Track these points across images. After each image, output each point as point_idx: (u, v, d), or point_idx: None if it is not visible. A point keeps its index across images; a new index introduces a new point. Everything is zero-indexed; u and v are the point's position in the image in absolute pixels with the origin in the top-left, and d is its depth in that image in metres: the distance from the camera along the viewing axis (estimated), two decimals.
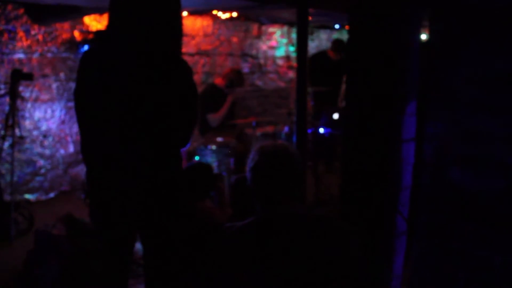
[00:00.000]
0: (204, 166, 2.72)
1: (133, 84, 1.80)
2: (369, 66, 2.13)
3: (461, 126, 1.74)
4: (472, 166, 1.72)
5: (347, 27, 5.67)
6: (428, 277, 1.90)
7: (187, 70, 1.91)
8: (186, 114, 1.95)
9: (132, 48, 1.80)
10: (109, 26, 1.85)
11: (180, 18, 1.94)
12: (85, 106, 1.87)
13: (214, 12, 5.35)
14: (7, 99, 3.62)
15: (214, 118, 4.29)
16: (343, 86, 5.12)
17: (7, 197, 3.61)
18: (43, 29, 4.22)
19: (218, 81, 4.46)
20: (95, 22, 4.62)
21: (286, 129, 4.62)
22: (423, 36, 2.50)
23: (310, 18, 3.19)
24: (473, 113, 1.70)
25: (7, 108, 3.63)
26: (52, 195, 4.52)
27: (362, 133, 2.18)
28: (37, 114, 4.33)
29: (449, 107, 1.76)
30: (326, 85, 4.87)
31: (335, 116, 4.51)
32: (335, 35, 7.31)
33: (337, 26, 6.92)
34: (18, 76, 3.25)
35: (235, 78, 4.39)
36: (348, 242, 1.51)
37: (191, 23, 5.49)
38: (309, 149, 4.15)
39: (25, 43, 4.11)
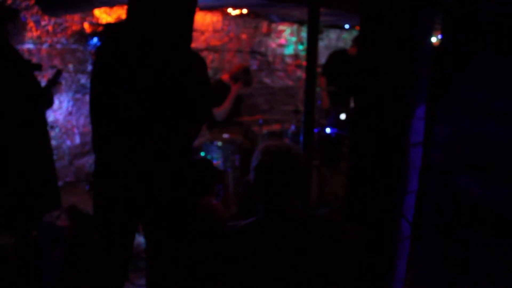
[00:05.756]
0: (206, 162, 2.72)
1: (146, 75, 1.81)
2: (379, 68, 2.12)
3: (470, 131, 1.72)
4: (479, 172, 1.71)
5: (357, 27, 5.61)
6: (431, 282, 1.89)
7: (201, 64, 1.93)
8: (198, 107, 1.97)
9: (146, 39, 1.82)
10: (127, 18, 1.87)
11: (194, 14, 1.95)
12: (99, 97, 1.89)
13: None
14: None
15: (219, 111, 4.29)
16: None
17: None
18: (53, 20, 4.23)
19: (226, 77, 4.46)
20: (105, 15, 4.62)
21: (292, 127, 4.61)
22: (434, 39, 2.48)
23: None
24: (482, 119, 1.69)
25: None
26: None
27: (370, 135, 2.17)
28: None
29: (458, 112, 1.75)
30: (342, 84, 4.80)
31: (342, 116, 4.50)
32: (345, 35, 7.28)
33: (347, 26, 6.89)
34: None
35: (243, 77, 4.38)
36: (351, 245, 1.50)
37: (201, 18, 5.48)
38: (315, 149, 4.14)
39: (35, 34, 4.13)
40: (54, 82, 3.17)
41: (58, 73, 3.20)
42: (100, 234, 2.03)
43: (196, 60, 1.95)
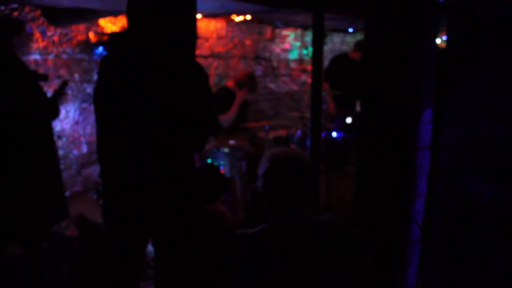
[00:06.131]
0: (214, 168, 2.71)
1: (150, 88, 1.81)
2: (386, 72, 2.11)
3: (478, 134, 1.71)
4: (489, 175, 1.69)
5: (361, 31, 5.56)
6: (442, 286, 1.87)
7: (203, 75, 1.93)
8: (202, 118, 1.96)
9: (150, 51, 1.82)
10: (129, 29, 1.87)
11: (195, 21, 1.94)
12: (104, 107, 1.89)
13: None
14: None
15: (225, 118, 4.29)
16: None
17: None
18: (59, 30, 4.26)
19: (231, 83, 4.46)
20: (110, 24, 4.66)
21: (298, 132, 4.60)
22: (438, 40, 2.47)
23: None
24: (491, 121, 1.67)
25: None
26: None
27: (377, 139, 2.16)
28: None
29: (466, 114, 1.74)
30: (345, 88, 4.79)
31: (348, 120, 4.49)
32: (349, 39, 7.28)
33: (350, 30, 6.90)
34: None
35: (248, 83, 4.38)
36: (360, 250, 1.50)
37: (205, 25, 5.50)
38: (322, 153, 4.12)
39: (41, 44, 4.16)
40: (60, 93, 3.20)
41: (64, 84, 3.23)
42: (111, 245, 2.03)
43: (198, 69, 1.94)
